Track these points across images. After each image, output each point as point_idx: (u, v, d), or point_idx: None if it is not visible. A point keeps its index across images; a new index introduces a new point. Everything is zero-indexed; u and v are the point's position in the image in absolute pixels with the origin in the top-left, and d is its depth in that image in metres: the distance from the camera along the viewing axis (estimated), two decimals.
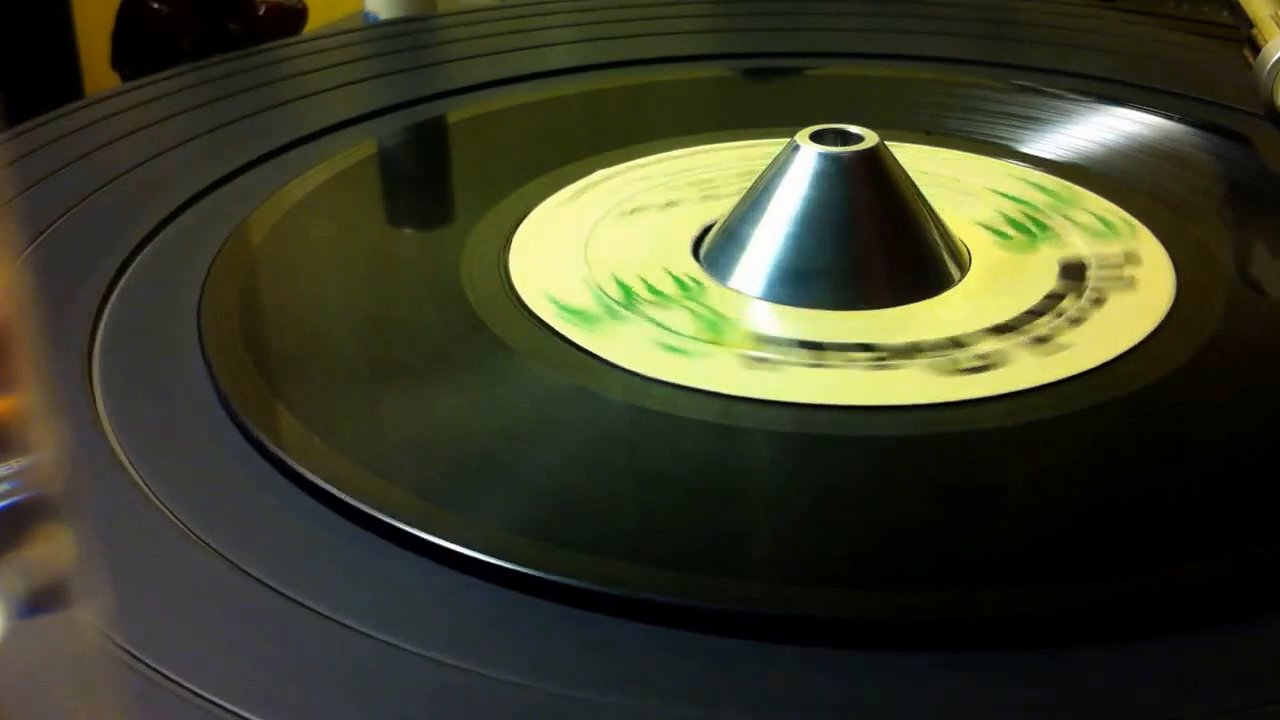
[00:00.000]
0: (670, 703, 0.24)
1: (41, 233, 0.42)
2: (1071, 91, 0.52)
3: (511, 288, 0.38)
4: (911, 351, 0.35)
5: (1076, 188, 0.45)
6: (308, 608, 0.26)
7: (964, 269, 0.39)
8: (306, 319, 0.39)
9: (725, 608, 0.26)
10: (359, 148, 0.49)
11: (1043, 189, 0.45)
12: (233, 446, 0.32)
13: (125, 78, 0.70)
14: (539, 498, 0.30)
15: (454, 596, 0.27)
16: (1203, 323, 0.37)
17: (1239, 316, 0.38)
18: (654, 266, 0.40)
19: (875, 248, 0.39)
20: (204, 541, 0.28)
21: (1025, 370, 0.34)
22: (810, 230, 0.38)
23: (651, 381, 0.34)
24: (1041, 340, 0.36)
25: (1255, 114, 0.48)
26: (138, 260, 0.40)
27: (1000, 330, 0.36)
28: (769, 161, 0.40)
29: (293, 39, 0.68)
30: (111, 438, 0.32)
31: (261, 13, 0.73)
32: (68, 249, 0.41)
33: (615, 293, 0.38)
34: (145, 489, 0.30)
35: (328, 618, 0.26)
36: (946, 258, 0.39)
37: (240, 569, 0.27)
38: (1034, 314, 0.37)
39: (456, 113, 0.53)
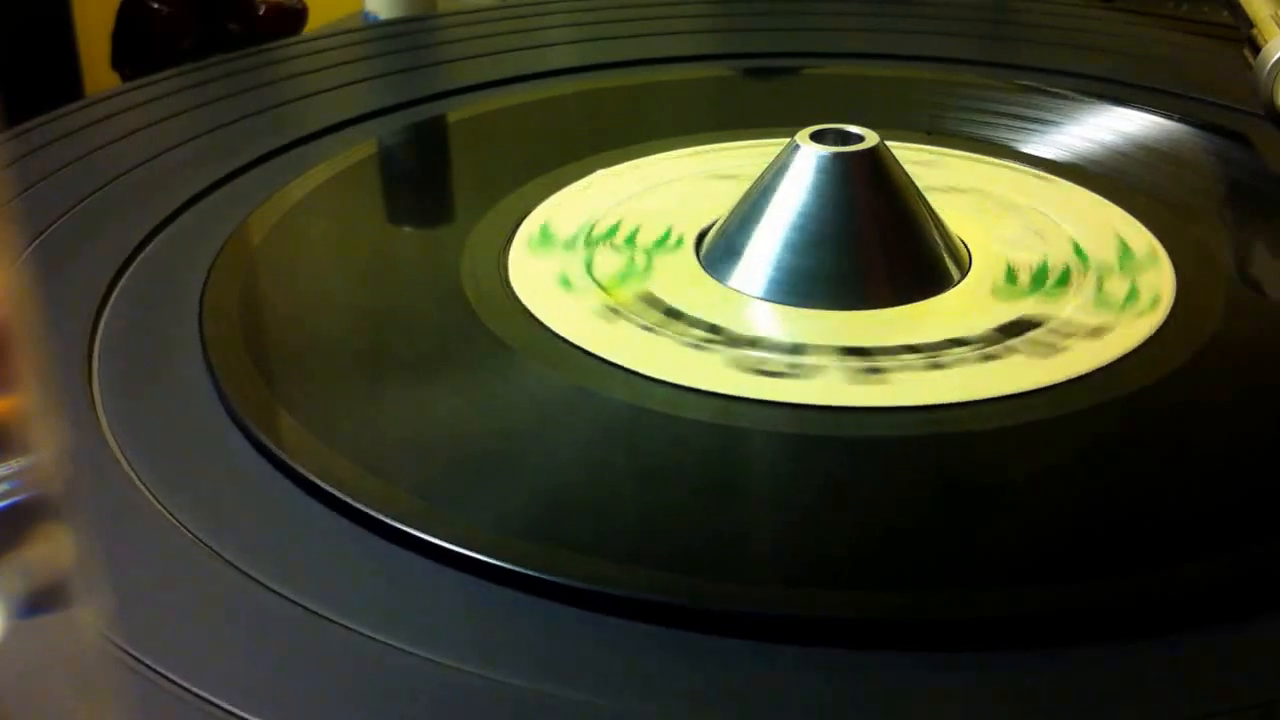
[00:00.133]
0: (670, 703, 0.24)
1: (41, 233, 0.42)
2: (1071, 91, 0.52)
3: (511, 288, 0.39)
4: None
5: (1161, 252, 0.40)
6: (307, 608, 0.26)
7: (964, 269, 0.39)
8: (307, 319, 0.39)
9: (725, 608, 0.26)
10: (359, 148, 0.49)
11: (1125, 246, 0.40)
12: (233, 446, 0.32)
13: (125, 78, 0.70)
14: (539, 497, 0.30)
15: (454, 596, 0.27)
16: (1203, 323, 0.37)
17: (1239, 316, 0.38)
18: (669, 222, 0.42)
19: (875, 248, 0.39)
20: (204, 542, 0.28)
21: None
22: (810, 230, 0.38)
23: (653, 382, 0.34)
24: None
25: (1255, 114, 0.48)
26: (138, 260, 0.40)
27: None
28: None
29: (293, 39, 0.68)
30: (111, 438, 0.32)
31: (261, 13, 0.73)
32: (68, 249, 0.41)
33: (600, 229, 0.40)
34: (145, 489, 0.30)
35: (328, 618, 0.26)
36: (946, 258, 0.39)
37: (240, 569, 0.27)
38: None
39: (456, 113, 0.53)
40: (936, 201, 0.41)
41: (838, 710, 0.24)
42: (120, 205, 0.44)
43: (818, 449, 0.33)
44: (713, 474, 0.32)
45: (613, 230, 0.42)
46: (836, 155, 0.39)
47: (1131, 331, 0.36)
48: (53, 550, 0.16)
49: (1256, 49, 0.48)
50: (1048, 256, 0.40)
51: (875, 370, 0.34)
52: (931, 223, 0.39)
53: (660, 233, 0.42)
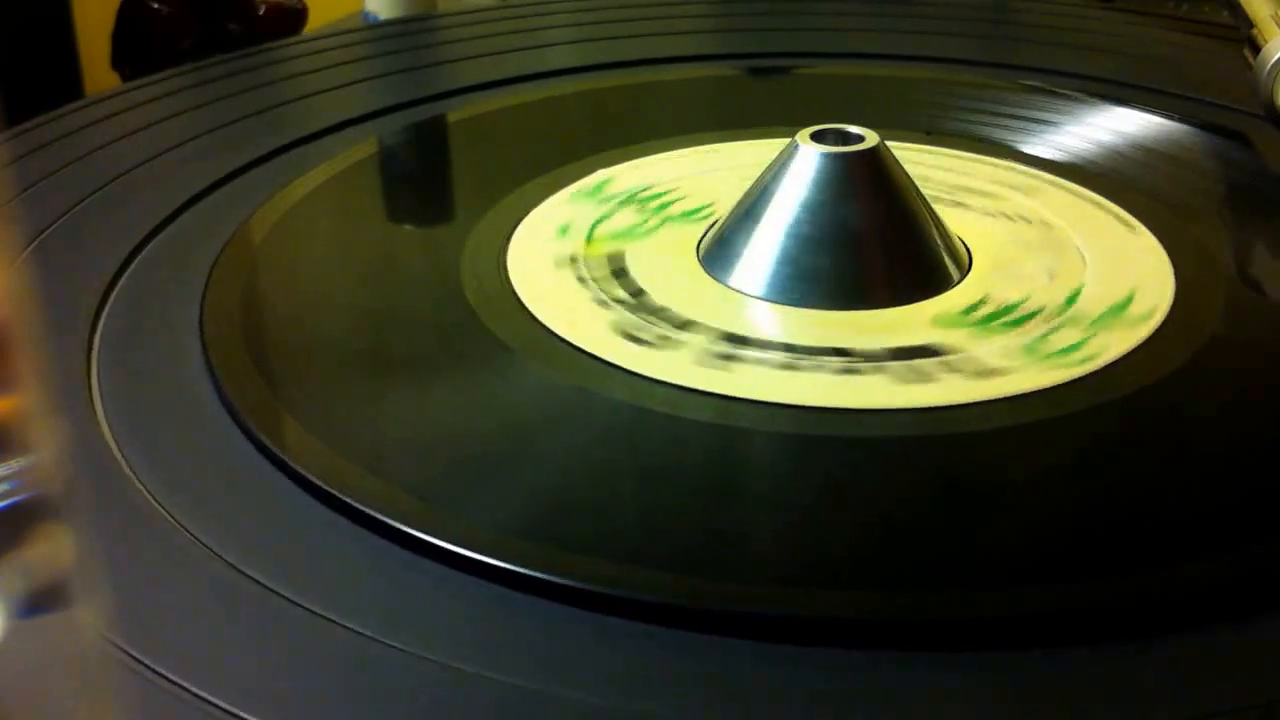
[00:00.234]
0: (670, 703, 0.24)
1: (41, 233, 0.42)
2: (1071, 91, 0.52)
3: (511, 288, 0.39)
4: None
5: (1160, 313, 0.37)
6: (307, 608, 0.26)
7: (964, 270, 0.39)
8: (307, 319, 0.39)
9: (725, 608, 0.26)
10: (359, 148, 0.49)
11: (1130, 299, 0.37)
12: (233, 446, 0.32)
13: (125, 78, 0.70)
14: (539, 497, 0.30)
15: (454, 596, 0.27)
16: (1202, 323, 0.37)
17: (1239, 316, 0.38)
18: (713, 199, 0.43)
19: (875, 247, 0.39)
20: (203, 542, 0.28)
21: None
22: (810, 230, 0.38)
23: (653, 383, 0.34)
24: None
25: (1255, 114, 0.48)
26: (138, 260, 0.40)
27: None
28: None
29: (293, 39, 0.68)
30: (111, 438, 0.32)
31: (261, 13, 0.73)
32: (68, 249, 0.41)
33: (650, 191, 0.44)
34: (145, 489, 0.30)
35: (328, 618, 0.26)
36: (946, 258, 0.39)
37: (240, 569, 0.27)
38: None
39: (456, 113, 0.53)
40: (991, 230, 0.40)
41: (837, 710, 0.24)
42: (120, 205, 0.44)
43: (817, 449, 0.33)
44: (712, 474, 0.32)
45: (658, 195, 0.43)
46: (836, 155, 0.39)
47: (1029, 380, 0.34)
48: (53, 550, 0.16)
49: (1256, 49, 0.48)
50: (1031, 295, 0.38)
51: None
52: (931, 223, 0.39)
53: (695, 205, 0.43)
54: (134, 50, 0.71)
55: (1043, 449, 0.33)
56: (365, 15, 0.71)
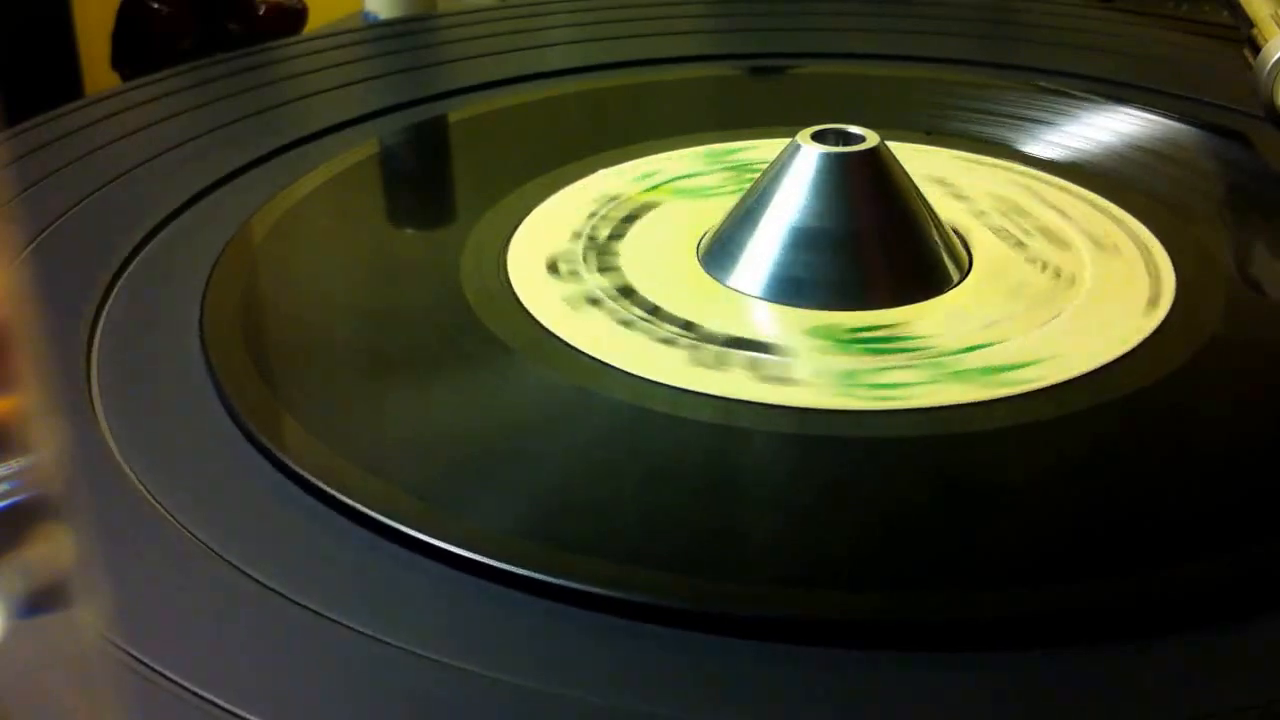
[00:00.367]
0: (670, 703, 0.24)
1: (41, 232, 0.42)
2: (1071, 91, 0.52)
3: (511, 288, 0.39)
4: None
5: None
6: (307, 608, 0.26)
7: (964, 270, 0.39)
8: (307, 319, 0.39)
9: (725, 609, 0.26)
10: (359, 148, 0.49)
11: (985, 371, 0.35)
12: (233, 447, 0.32)
13: (125, 78, 0.70)
14: (539, 498, 0.30)
15: (454, 596, 0.27)
16: (1202, 323, 0.37)
17: (1239, 316, 0.38)
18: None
19: (875, 248, 0.39)
20: (203, 542, 0.28)
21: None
22: (810, 230, 0.38)
23: (655, 385, 0.34)
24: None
25: (1255, 114, 0.48)
26: (138, 260, 0.40)
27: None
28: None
29: (293, 39, 0.68)
30: (111, 438, 0.32)
31: (261, 13, 0.73)
32: (68, 248, 0.41)
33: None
34: (144, 489, 0.30)
35: (328, 618, 0.26)
36: (946, 258, 0.39)
37: (240, 569, 0.27)
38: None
39: (456, 113, 0.53)
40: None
41: (837, 710, 0.24)
42: (120, 205, 0.44)
43: (816, 449, 0.33)
44: (713, 474, 0.32)
45: (690, 176, 0.46)
46: (836, 155, 0.39)
47: (814, 399, 0.33)
48: (53, 550, 0.16)
49: (1256, 49, 0.48)
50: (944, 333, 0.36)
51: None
52: (931, 223, 0.39)
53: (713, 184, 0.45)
54: (134, 50, 0.71)
55: (1043, 449, 0.33)
56: (365, 15, 0.71)
